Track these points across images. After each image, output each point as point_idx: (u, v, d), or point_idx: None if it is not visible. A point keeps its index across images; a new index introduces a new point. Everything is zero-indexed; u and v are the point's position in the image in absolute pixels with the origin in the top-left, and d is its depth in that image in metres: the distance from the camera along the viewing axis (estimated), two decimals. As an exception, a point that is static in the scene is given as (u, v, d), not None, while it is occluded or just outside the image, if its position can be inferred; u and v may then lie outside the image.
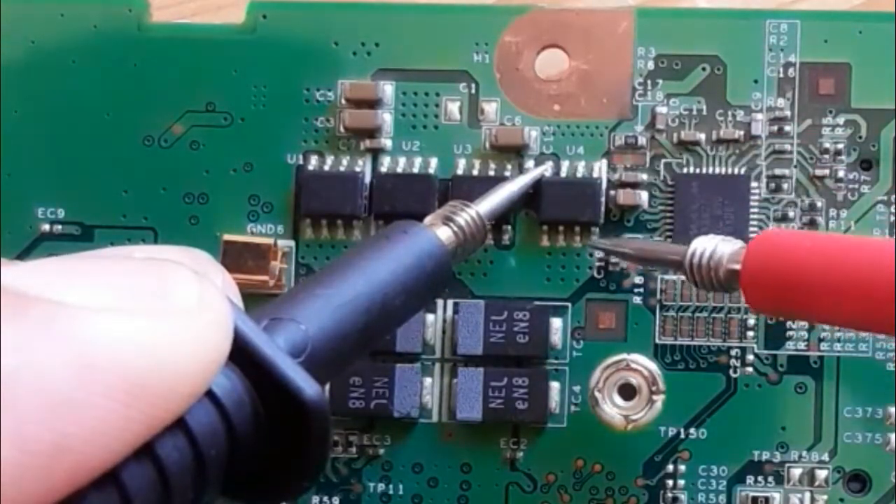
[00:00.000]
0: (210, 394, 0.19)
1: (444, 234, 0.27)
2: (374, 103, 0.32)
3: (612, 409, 0.30)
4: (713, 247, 0.28)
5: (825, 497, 0.31)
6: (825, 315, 0.28)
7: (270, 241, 0.32)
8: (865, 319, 0.26)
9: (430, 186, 0.32)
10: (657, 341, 0.31)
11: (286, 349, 0.21)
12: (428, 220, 0.27)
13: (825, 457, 0.31)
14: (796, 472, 0.31)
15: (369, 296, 0.24)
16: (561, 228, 0.32)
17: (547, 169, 0.31)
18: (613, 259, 0.32)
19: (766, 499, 0.31)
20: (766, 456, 0.31)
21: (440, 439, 0.32)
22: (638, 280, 0.32)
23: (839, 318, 0.28)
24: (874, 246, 0.26)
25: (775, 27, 0.32)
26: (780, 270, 0.27)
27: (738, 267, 0.28)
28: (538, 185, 0.31)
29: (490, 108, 0.32)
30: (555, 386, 0.31)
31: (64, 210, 0.32)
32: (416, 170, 0.32)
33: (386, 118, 0.32)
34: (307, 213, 0.32)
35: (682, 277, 0.31)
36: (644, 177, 0.32)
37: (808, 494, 0.31)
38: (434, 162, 0.32)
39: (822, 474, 0.31)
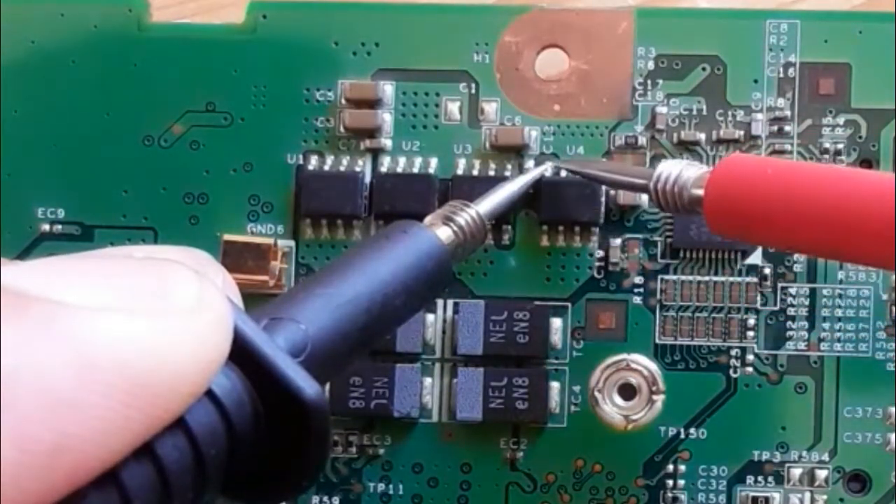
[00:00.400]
0: (210, 393, 0.19)
1: (445, 233, 0.27)
2: (374, 103, 0.32)
3: (612, 409, 0.30)
4: (678, 171, 0.28)
5: (825, 497, 0.31)
6: (787, 242, 0.28)
7: (270, 241, 0.32)
8: (840, 249, 0.26)
9: (430, 186, 0.32)
10: (657, 341, 0.31)
11: (286, 349, 0.21)
12: (428, 219, 0.27)
13: (825, 457, 0.31)
14: (796, 472, 0.31)
15: (370, 295, 0.24)
16: (561, 228, 0.32)
17: (547, 169, 0.31)
18: (613, 259, 0.32)
19: (766, 499, 0.31)
20: (766, 456, 0.31)
21: (440, 439, 0.32)
22: (638, 280, 0.32)
23: (804, 246, 0.28)
24: (846, 175, 0.26)
25: (775, 27, 0.32)
26: (743, 196, 0.26)
27: (701, 192, 0.27)
28: (538, 185, 0.31)
29: (490, 108, 0.32)
30: (555, 386, 0.31)
31: (64, 210, 0.32)
32: (416, 170, 0.32)
33: (386, 118, 0.32)
34: (307, 213, 0.32)
35: (681, 277, 0.31)
36: (644, 177, 0.32)
37: (808, 494, 0.31)
38: (434, 162, 0.32)
39: (822, 474, 0.31)
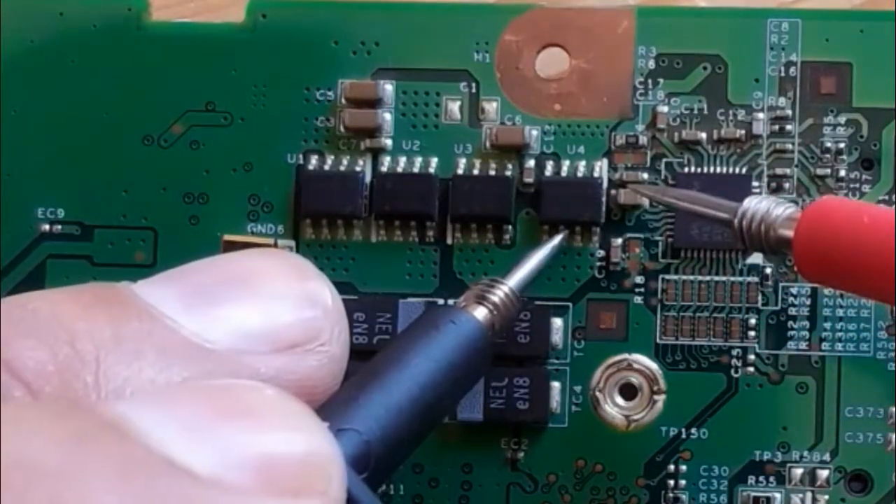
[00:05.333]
0: None
1: (482, 314, 0.27)
2: (374, 103, 0.32)
3: (614, 409, 0.30)
4: (766, 209, 0.27)
5: (826, 497, 0.31)
6: (879, 293, 0.27)
7: (271, 241, 0.31)
8: None
9: (430, 186, 0.32)
10: (658, 341, 0.31)
11: (352, 464, 0.21)
12: (462, 301, 0.28)
13: (826, 457, 0.31)
14: (798, 472, 0.31)
15: (425, 401, 0.24)
16: (561, 228, 0.32)
17: (566, 236, 0.31)
18: (614, 258, 0.32)
19: (768, 499, 0.31)
20: (767, 456, 0.31)
21: (440, 439, 0.32)
22: (639, 280, 0.32)
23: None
24: None
25: (776, 26, 0.32)
26: (835, 243, 0.26)
27: (790, 234, 0.27)
28: (539, 185, 0.31)
29: (490, 107, 0.32)
30: (556, 386, 0.31)
31: (64, 210, 0.32)
32: (416, 169, 0.32)
33: (386, 117, 0.32)
34: (307, 213, 0.32)
35: (682, 277, 0.31)
36: (645, 176, 0.32)
37: (809, 494, 0.31)
38: (434, 161, 0.32)
39: (823, 474, 0.31)
